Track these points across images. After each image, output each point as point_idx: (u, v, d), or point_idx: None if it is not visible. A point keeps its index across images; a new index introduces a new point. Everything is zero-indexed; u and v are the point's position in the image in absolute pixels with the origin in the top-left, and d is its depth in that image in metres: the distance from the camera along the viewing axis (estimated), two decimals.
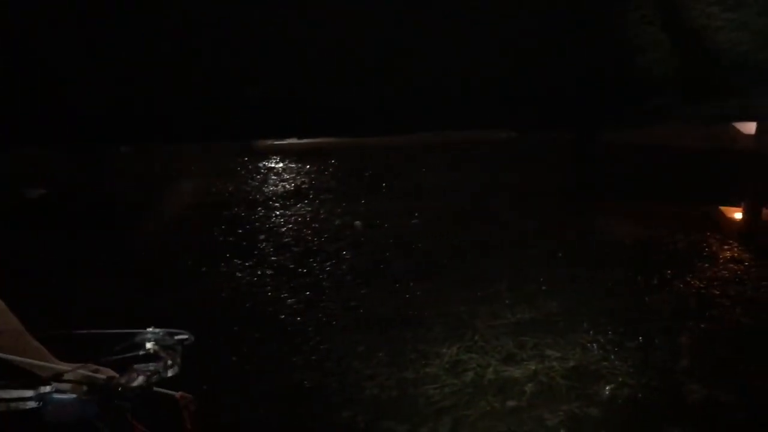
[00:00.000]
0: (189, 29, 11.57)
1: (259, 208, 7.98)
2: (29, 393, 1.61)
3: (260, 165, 9.20)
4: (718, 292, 5.94)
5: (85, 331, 1.94)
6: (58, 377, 1.68)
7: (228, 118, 10.19)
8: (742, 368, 5.01)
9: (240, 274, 6.74)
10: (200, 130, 9.99)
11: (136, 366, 1.82)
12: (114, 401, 1.69)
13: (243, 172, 9.03)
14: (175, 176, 9.19)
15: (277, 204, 8.12)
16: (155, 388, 1.77)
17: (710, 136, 9.78)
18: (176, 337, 1.89)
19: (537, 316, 5.77)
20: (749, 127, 9.51)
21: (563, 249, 6.81)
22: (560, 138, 9.65)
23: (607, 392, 4.91)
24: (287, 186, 8.54)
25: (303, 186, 8.50)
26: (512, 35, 11.34)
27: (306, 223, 7.57)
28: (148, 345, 1.85)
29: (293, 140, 10.06)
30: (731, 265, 6.44)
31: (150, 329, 1.86)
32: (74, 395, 1.66)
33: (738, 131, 9.76)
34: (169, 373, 1.84)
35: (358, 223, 7.43)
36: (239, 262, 6.93)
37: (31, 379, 1.64)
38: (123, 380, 1.77)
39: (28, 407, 1.61)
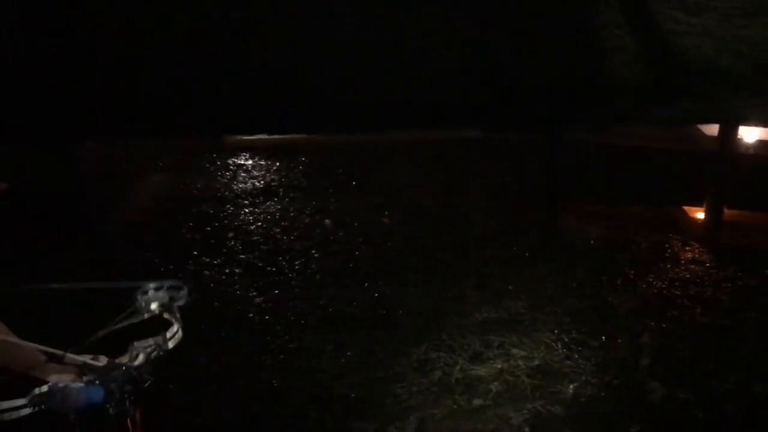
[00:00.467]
0: (158, 25, 11.50)
1: (228, 206, 7.92)
2: (20, 401, 1.61)
3: (229, 161, 9.13)
4: (679, 293, 6.08)
5: (74, 285, 1.93)
6: (57, 371, 1.69)
7: (198, 112, 10.16)
8: (702, 368, 5.15)
9: (208, 272, 6.70)
10: (169, 124, 9.94)
11: (135, 344, 1.82)
12: (120, 383, 1.70)
13: (212, 169, 8.95)
14: (141, 172, 9.08)
15: (246, 201, 8.07)
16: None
17: (675, 137, 10.01)
18: (168, 289, 1.88)
19: (503, 315, 5.85)
20: (712, 129, 9.75)
21: (529, 249, 6.89)
22: (527, 139, 9.78)
23: (570, 391, 5.01)
24: (256, 183, 8.48)
25: (272, 183, 8.46)
26: (481, 37, 11.48)
27: (275, 221, 7.54)
28: (151, 306, 1.83)
29: (263, 136, 10.03)
30: (692, 266, 6.59)
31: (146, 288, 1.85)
32: (80, 383, 1.67)
33: (702, 133, 9.99)
34: (171, 345, 1.84)
35: (327, 221, 7.42)
36: (207, 260, 6.88)
37: (25, 384, 1.64)
38: (125, 360, 1.78)
39: (21, 414, 1.61)
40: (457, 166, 9.14)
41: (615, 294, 6.11)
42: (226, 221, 7.62)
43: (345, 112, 10.07)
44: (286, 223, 7.50)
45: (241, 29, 10.95)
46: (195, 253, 7.01)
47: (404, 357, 5.43)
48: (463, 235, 7.20)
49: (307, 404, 4.99)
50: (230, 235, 7.34)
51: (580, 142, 9.79)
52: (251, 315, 6.05)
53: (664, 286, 6.20)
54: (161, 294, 1.86)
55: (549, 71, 10.89)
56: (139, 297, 1.85)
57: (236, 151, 9.54)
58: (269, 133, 10.16)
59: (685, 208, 8.03)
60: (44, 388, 1.62)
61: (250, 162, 9.09)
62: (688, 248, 7.02)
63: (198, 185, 8.47)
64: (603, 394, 4.96)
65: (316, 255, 6.86)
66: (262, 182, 8.50)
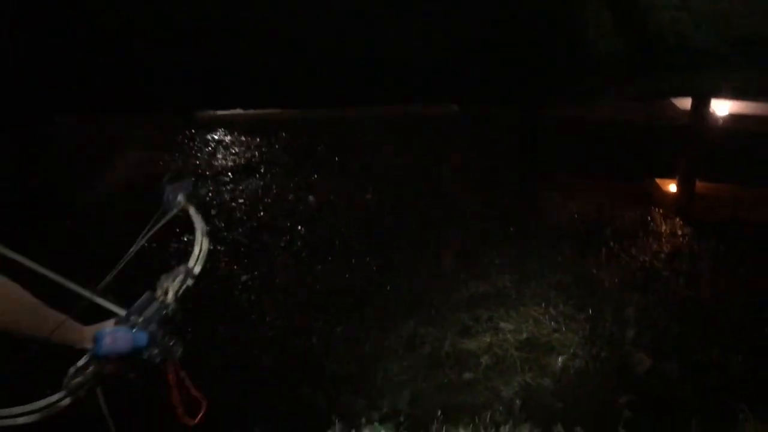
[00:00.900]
0: None
1: (209, 182, 7.83)
2: (56, 396, 1.60)
3: (208, 138, 9.00)
4: (661, 266, 6.20)
5: None
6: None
7: (169, 87, 9.95)
8: (685, 339, 5.27)
9: (191, 250, 6.62)
10: (139, 99, 9.71)
11: (162, 277, 1.82)
12: (158, 322, 1.70)
13: (191, 145, 8.81)
14: (118, 149, 8.90)
15: (226, 178, 7.98)
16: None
17: (650, 111, 10.10)
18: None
19: (490, 290, 5.90)
20: (685, 103, 9.88)
21: (513, 225, 6.94)
22: (503, 113, 9.79)
23: (559, 363, 5.09)
24: (237, 160, 8.39)
25: (253, 160, 8.37)
26: (458, 11, 11.39)
27: (258, 198, 7.48)
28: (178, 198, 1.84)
29: (238, 111, 9.88)
30: (672, 240, 6.71)
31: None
32: (127, 328, 1.66)
33: (675, 107, 10.11)
34: (197, 270, 1.84)
35: (311, 198, 7.38)
36: (190, 237, 6.80)
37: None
38: (159, 295, 1.77)
39: (61, 407, 1.60)
40: (436, 142, 9.11)
41: (599, 268, 6.20)
42: (207, 198, 7.53)
43: (323, 87, 9.96)
44: (269, 200, 7.44)
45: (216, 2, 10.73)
46: (177, 230, 6.91)
47: (394, 333, 5.46)
48: (447, 212, 7.22)
49: (299, 382, 5.00)
50: (213, 212, 7.26)
51: (558, 116, 9.83)
52: (237, 293, 6.02)
53: (646, 259, 6.31)
54: (179, 186, 1.90)
55: (523, 45, 10.88)
56: (165, 194, 1.88)
57: (214, 128, 9.40)
58: (244, 108, 10.02)
59: (662, 180, 8.13)
60: (80, 363, 1.61)
61: (229, 138, 8.97)
62: (667, 221, 7.14)
63: (178, 162, 8.34)
64: (591, 366, 5.05)
65: (301, 232, 6.83)
66: (243, 159, 8.40)
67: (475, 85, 10.43)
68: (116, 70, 9.81)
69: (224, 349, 5.31)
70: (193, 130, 9.17)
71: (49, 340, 1.66)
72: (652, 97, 10.60)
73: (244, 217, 7.13)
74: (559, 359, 5.13)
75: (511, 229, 6.80)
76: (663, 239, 6.66)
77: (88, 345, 1.66)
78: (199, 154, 8.60)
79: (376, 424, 4.56)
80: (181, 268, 1.82)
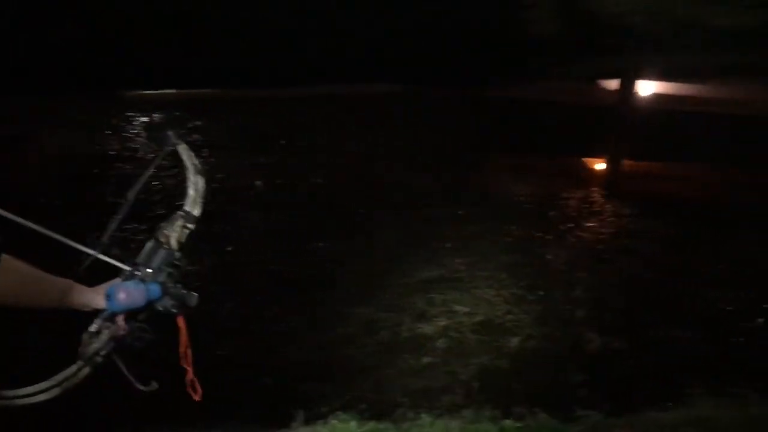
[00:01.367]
0: None
1: (149, 166, 7.56)
2: (74, 367, 1.54)
3: (145, 119, 8.68)
4: (605, 246, 6.40)
5: None
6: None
7: (93, 66, 9.55)
8: (632, 317, 5.48)
9: (135, 238, 6.41)
10: (57, 78, 9.26)
11: (162, 225, 1.77)
12: (166, 271, 1.65)
13: (126, 127, 8.49)
14: (50, 131, 8.50)
15: (167, 162, 7.71)
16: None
17: (587, 92, 10.38)
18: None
19: (444, 273, 5.97)
20: (613, 84, 10.23)
21: (463, 207, 7.02)
22: (444, 93, 9.86)
23: (514, 344, 5.21)
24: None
25: (195, 142, 8.13)
26: None
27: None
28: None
29: (170, 90, 9.59)
30: (614, 219, 6.93)
31: None
32: (137, 281, 1.61)
33: (603, 87, 10.43)
34: (196, 213, 1.80)
35: (258, 183, 7.24)
36: (133, 225, 6.57)
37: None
38: (163, 238, 1.72)
39: (81, 378, 1.55)
40: (381, 122, 9.12)
41: (548, 249, 6.36)
42: (148, 183, 7.28)
43: (260, 64, 9.78)
44: (215, 185, 7.25)
45: None
46: (120, 217, 6.68)
47: (351, 318, 5.45)
48: (397, 194, 7.23)
49: (259, 370, 4.94)
50: (156, 198, 7.02)
51: (498, 96, 9.97)
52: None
53: (592, 239, 6.51)
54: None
55: (466, 27, 10.94)
56: (153, 135, 1.81)
57: (148, 108, 9.09)
58: (177, 88, 9.74)
59: (599, 159, 8.38)
60: (93, 327, 1.55)
61: (167, 119, 8.68)
62: (607, 201, 7.36)
63: (113, 145, 8.03)
64: (544, 346, 5.19)
65: (251, 217, 6.71)
66: (186, 141, 8.13)
67: (419, 64, 10.46)
68: (42, 49, 9.35)
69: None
70: (127, 112, 8.83)
71: (58, 306, 1.59)
72: (592, 78, 10.91)
73: None
74: (514, 340, 5.25)
75: (460, 212, 6.87)
76: (606, 219, 6.87)
77: (100, 305, 1.60)
78: (136, 137, 8.30)
79: (339, 412, 4.56)
80: (179, 213, 1.76)
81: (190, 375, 1.84)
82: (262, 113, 9.15)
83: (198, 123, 8.65)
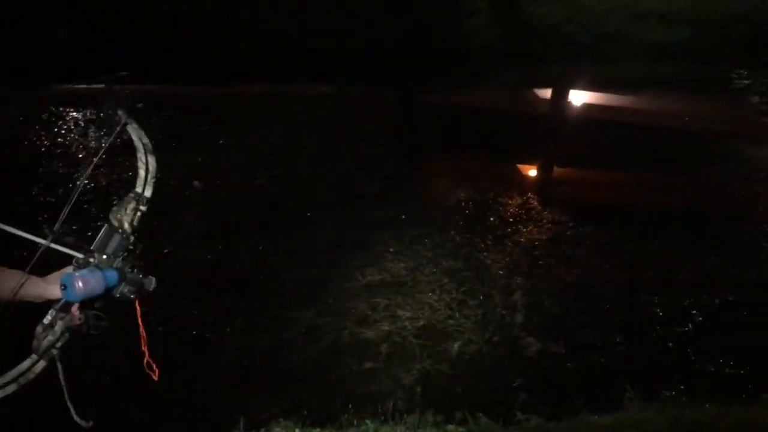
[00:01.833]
0: None
1: (83, 165, 7.28)
2: (28, 362, 1.50)
3: (79, 115, 8.34)
4: (543, 252, 6.53)
5: None
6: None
7: (30, 58, 9.12)
8: (569, 322, 5.60)
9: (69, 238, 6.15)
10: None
11: (114, 209, 1.71)
12: (122, 257, 1.58)
13: (60, 123, 8.13)
14: None
15: (101, 160, 7.43)
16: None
17: (522, 100, 10.60)
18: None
19: (386, 277, 5.96)
20: (546, 92, 10.52)
21: (404, 211, 7.02)
22: (380, 96, 9.88)
23: (455, 349, 5.25)
24: (113, 140, 7.82)
25: (130, 140, 7.83)
26: None
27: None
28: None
29: (102, 86, 9.26)
30: (550, 225, 7.08)
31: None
32: (93, 268, 1.52)
33: (536, 95, 10.69)
34: (148, 194, 1.73)
35: (196, 182, 7.06)
36: (65, 225, 6.31)
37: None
38: (116, 221, 1.65)
39: (36, 372, 1.50)
40: (318, 123, 9.04)
41: (487, 254, 6.43)
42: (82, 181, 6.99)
43: (197, 63, 9.56)
44: None
45: None
46: (48, 217, 6.40)
47: (292, 323, 5.39)
48: (336, 197, 7.19)
49: (195, 375, 4.82)
50: (89, 197, 6.77)
51: (434, 101, 10.06)
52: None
53: (530, 245, 6.63)
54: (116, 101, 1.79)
55: (405, 31, 11.00)
56: (103, 110, 1.76)
57: (82, 104, 8.74)
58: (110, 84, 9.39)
59: (533, 165, 8.56)
60: (47, 318, 1.46)
61: (102, 115, 8.35)
62: (545, 208, 7.52)
63: (44, 142, 7.67)
64: (485, 350, 5.25)
65: (188, 218, 6.53)
66: (119, 139, 7.83)
67: (355, 67, 10.44)
68: None
69: (110, 346, 4.99)
70: (61, 107, 8.47)
71: (10, 299, 1.50)
72: (527, 86, 11.14)
73: None
74: (455, 345, 5.29)
75: (403, 216, 6.88)
76: (543, 226, 7.01)
77: (55, 295, 1.51)
78: (70, 133, 7.96)
79: (281, 419, 4.49)
80: (131, 195, 1.70)
81: (146, 357, 1.79)
82: (197, 111, 8.93)
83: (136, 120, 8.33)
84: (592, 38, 11.43)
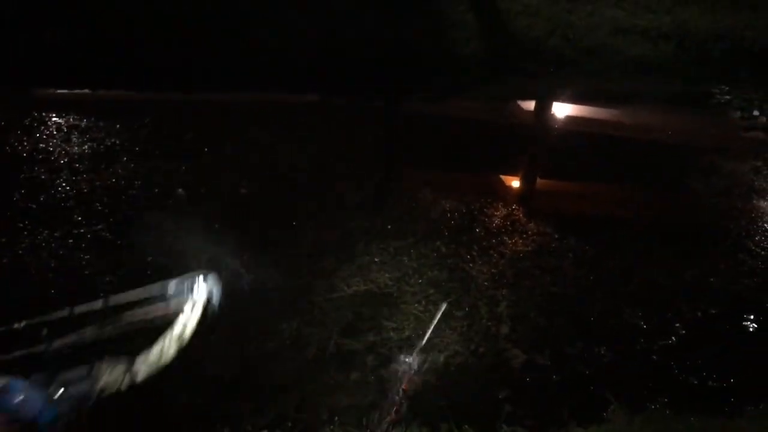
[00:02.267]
0: None
1: (64, 171, 7.18)
2: None
3: (60, 121, 8.23)
4: (528, 263, 6.54)
5: None
6: None
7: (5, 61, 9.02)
8: (554, 333, 5.62)
9: (47, 246, 6.07)
10: None
11: (104, 364, 1.66)
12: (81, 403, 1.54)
13: (41, 128, 8.02)
14: None
15: (84, 166, 7.36)
16: None
17: (505, 111, 10.65)
18: None
19: (371, 288, 5.94)
20: (529, 104, 10.61)
21: (389, 221, 6.99)
22: (362, 106, 9.87)
23: (441, 360, 5.24)
24: (96, 146, 7.74)
25: (115, 147, 7.78)
26: (324, 4, 11.28)
27: (121, 190, 6.97)
28: None
29: (85, 91, 9.16)
30: (536, 237, 7.09)
31: None
32: (44, 395, 1.48)
33: (520, 107, 10.76)
34: (140, 375, 1.69)
35: (180, 191, 6.99)
36: (45, 232, 6.23)
37: None
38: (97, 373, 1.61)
39: None
40: (300, 132, 8.97)
41: (472, 265, 6.43)
42: (62, 188, 6.91)
43: (182, 69, 9.51)
44: (134, 192, 6.96)
45: None
46: (29, 224, 6.31)
47: (277, 333, 5.34)
48: (320, 206, 7.13)
49: (178, 386, 4.75)
50: (70, 204, 6.67)
51: (418, 111, 10.08)
52: (103, 294, 5.57)
53: (515, 257, 6.64)
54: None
55: (389, 41, 11.03)
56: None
57: (64, 109, 8.61)
58: (92, 88, 9.31)
59: (516, 177, 8.57)
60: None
61: (85, 122, 8.26)
62: (529, 219, 7.53)
63: (25, 147, 7.56)
64: (471, 362, 5.25)
65: (170, 227, 6.44)
66: (102, 145, 7.78)
67: (339, 76, 10.45)
68: None
69: (92, 356, 4.91)
70: (43, 113, 8.35)
71: None
72: (509, 98, 11.21)
73: (106, 210, 6.63)
74: (441, 356, 5.28)
75: (389, 226, 6.86)
76: (528, 237, 7.02)
77: None
78: (51, 139, 7.85)
79: (264, 431, 4.46)
80: (127, 360, 1.66)
81: None
82: (180, 118, 8.84)
83: (118, 126, 8.27)
84: (576, 52, 11.57)
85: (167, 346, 1.71)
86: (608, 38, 11.59)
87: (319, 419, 4.63)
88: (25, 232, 6.16)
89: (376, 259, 6.30)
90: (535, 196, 8.21)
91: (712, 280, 6.44)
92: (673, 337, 5.55)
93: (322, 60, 10.47)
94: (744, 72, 11.29)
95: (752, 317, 6.00)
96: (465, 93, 10.91)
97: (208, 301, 1.82)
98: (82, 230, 6.36)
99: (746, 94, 10.79)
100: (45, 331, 1.56)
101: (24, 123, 8.02)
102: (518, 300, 6.02)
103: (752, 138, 9.89)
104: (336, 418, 4.63)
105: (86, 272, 5.78)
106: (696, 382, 5.17)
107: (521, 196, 8.14)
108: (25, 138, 7.71)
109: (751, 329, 5.87)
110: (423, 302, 5.82)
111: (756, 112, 10.34)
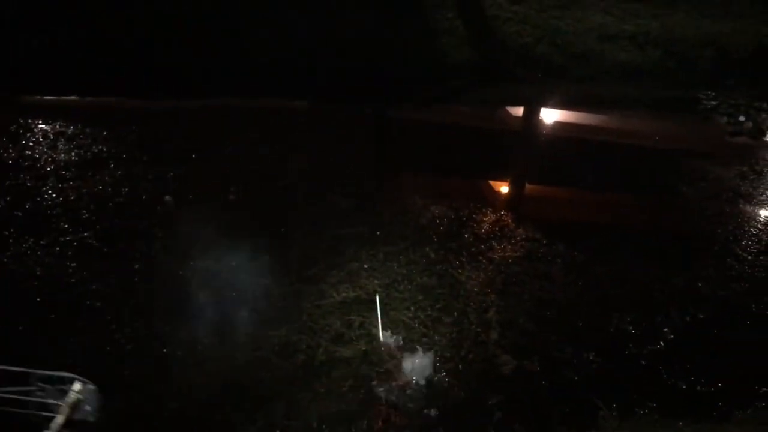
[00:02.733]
0: None
1: (51, 178, 7.13)
2: None
3: (47, 128, 8.17)
4: (518, 269, 6.53)
5: None
6: None
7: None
8: (543, 339, 5.61)
9: (33, 254, 6.02)
10: None
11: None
12: None
13: (27, 135, 7.96)
14: None
15: (70, 173, 7.30)
16: None
17: (494, 117, 10.66)
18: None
19: (361, 294, 5.91)
20: (518, 110, 10.65)
21: (375, 227, 6.96)
22: (352, 111, 9.86)
23: (430, 366, 5.21)
24: (82, 153, 7.69)
25: (102, 154, 7.72)
26: (314, 11, 11.27)
27: (109, 197, 6.92)
28: None
29: (72, 97, 9.10)
30: (525, 243, 7.08)
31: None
32: None
33: (508, 113, 10.79)
34: None
35: (168, 198, 6.94)
36: (32, 240, 6.17)
37: None
38: None
39: None
40: (289, 138, 8.95)
41: (461, 271, 6.42)
42: (48, 196, 6.85)
43: (170, 77, 9.49)
44: (121, 200, 6.91)
45: None
46: (15, 231, 6.26)
47: (265, 340, 5.31)
48: (308, 212, 7.11)
49: (165, 395, 4.72)
50: (56, 211, 6.62)
51: (408, 117, 10.08)
52: (90, 302, 5.54)
53: (504, 262, 6.63)
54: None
55: (379, 47, 11.05)
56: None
57: (50, 115, 8.56)
58: (80, 95, 9.27)
59: (505, 182, 8.58)
60: None
61: (72, 129, 8.20)
62: (518, 225, 7.53)
63: (11, 154, 7.50)
64: (461, 368, 5.23)
65: (159, 235, 6.41)
66: (89, 152, 7.72)
67: (328, 82, 10.44)
68: None
69: (80, 364, 4.87)
70: (29, 120, 8.29)
71: None
72: (499, 104, 11.23)
73: (93, 218, 6.58)
74: (430, 363, 5.25)
75: (378, 232, 6.84)
76: (517, 243, 7.01)
77: None
78: (37, 146, 7.79)
79: None
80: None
81: None
82: (168, 125, 8.80)
83: (106, 133, 8.21)
84: (565, 58, 11.63)
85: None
86: (596, 44, 11.66)
87: (308, 427, 4.61)
88: (10, 240, 6.10)
89: (365, 266, 6.28)
90: (525, 202, 8.21)
91: (700, 285, 6.46)
92: (661, 342, 5.56)
93: (311, 66, 10.49)
94: (730, 78, 11.39)
95: (740, 322, 6.02)
96: (454, 99, 10.93)
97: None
98: (70, 237, 6.31)
99: (733, 99, 10.87)
100: None
101: (9, 130, 7.96)
102: (507, 306, 6.01)
103: (738, 143, 9.95)
104: (324, 425, 4.60)
105: (72, 279, 5.72)
106: (684, 387, 5.18)
107: (510, 201, 8.14)
108: (9, 145, 7.64)
109: (739, 334, 5.88)
110: (412, 308, 5.81)
111: (742, 118, 10.43)
